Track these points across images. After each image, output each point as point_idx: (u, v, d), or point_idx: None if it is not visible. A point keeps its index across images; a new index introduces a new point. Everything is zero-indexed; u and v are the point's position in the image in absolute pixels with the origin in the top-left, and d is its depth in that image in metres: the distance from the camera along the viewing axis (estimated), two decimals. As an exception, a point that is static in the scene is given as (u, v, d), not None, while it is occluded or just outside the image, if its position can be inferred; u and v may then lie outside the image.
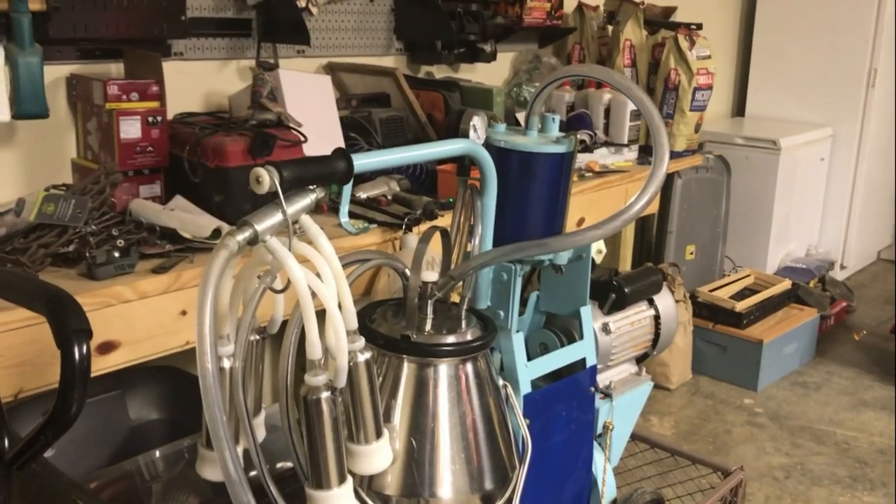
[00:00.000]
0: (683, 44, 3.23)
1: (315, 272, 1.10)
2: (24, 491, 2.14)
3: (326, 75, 2.61)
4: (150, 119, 2.12)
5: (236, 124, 2.17)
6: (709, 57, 3.30)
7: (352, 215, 2.21)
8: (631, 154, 3.26)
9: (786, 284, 3.67)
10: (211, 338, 0.96)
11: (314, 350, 1.06)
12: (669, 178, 3.65)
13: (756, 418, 3.18)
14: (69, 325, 0.79)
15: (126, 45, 2.22)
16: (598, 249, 1.82)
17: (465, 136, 1.38)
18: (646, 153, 3.32)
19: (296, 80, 2.45)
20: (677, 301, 3.27)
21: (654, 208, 3.41)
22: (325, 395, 1.07)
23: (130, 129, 2.10)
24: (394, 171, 2.47)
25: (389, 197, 2.38)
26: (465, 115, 1.37)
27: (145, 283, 1.75)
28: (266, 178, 1.04)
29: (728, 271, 4.02)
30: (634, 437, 1.93)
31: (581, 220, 2.92)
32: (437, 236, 1.34)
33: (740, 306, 3.41)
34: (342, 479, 1.11)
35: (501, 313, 1.44)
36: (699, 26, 3.35)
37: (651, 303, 1.75)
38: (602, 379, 1.69)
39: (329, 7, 2.72)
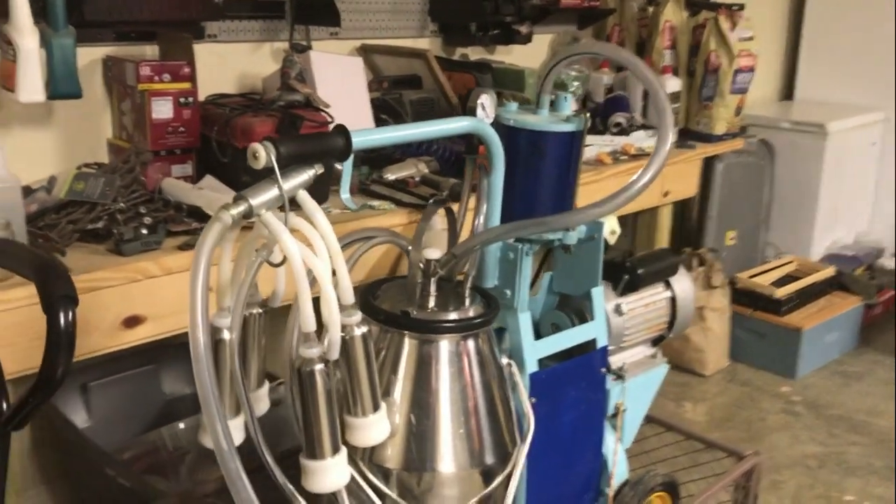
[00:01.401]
0: (724, 25, 3.17)
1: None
2: (60, 462, 2.23)
3: (358, 57, 2.63)
4: (182, 100, 2.16)
5: (265, 105, 2.21)
6: (751, 38, 3.24)
7: (378, 196, 2.23)
8: (669, 137, 3.22)
9: (829, 271, 3.59)
10: (203, 309, 0.98)
11: (307, 323, 1.08)
12: (710, 162, 3.58)
13: (793, 407, 3.12)
14: (55, 291, 0.82)
15: (160, 27, 2.27)
16: (611, 230, 1.80)
17: (473, 114, 1.38)
18: (684, 136, 3.28)
19: (327, 62, 2.48)
20: (714, 287, 3.23)
21: (692, 191, 3.35)
22: (318, 367, 1.10)
23: (162, 110, 2.15)
24: (423, 152, 2.49)
25: (417, 178, 2.40)
26: (472, 93, 1.38)
27: (171, 260, 1.80)
28: (262, 154, 1.07)
29: (771, 258, 3.95)
30: (652, 420, 1.92)
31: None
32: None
33: (780, 293, 3.35)
34: (336, 450, 1.13)
35: (508, 292, 1.44)
36: (741, 6, 3.28)
37: (668, 285, 1.74)
38: (615, 360, 1.68)
39: (364, -11, 2.74)
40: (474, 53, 3.16)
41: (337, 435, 1.13)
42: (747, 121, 3.47)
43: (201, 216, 1.97)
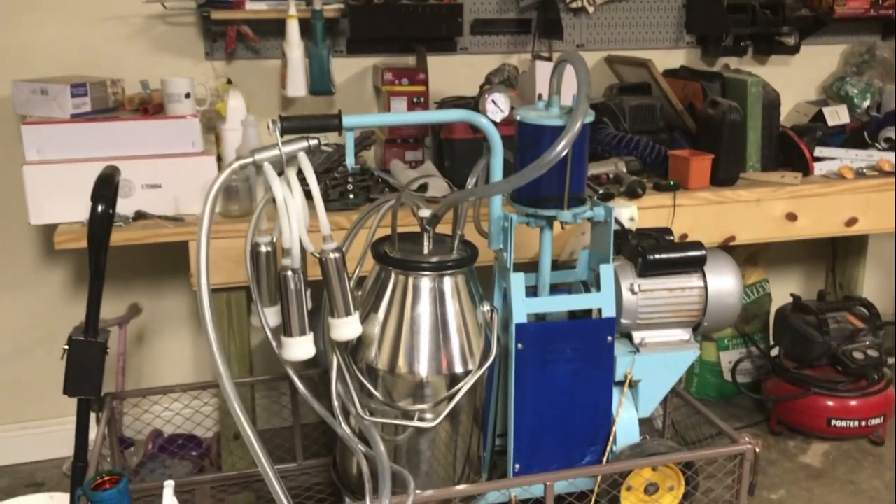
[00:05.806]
0: None
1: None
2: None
3: (583, 66, 2.97)
4: (415, 99, 2.78)
5: (469, 103, 2.70)
6: None
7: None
8: (957, 157, 2.95)
9: None
10: (207, 227, 1.54)
11: (285, 240, 1.60)
12: None
13: None
14: (98, 191, 1.46)
15: (417, 42, 2.89)
16: (629, 217, 1.93)
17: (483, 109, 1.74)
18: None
19: (548, 69, 2.88)
20: None
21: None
22: (289, 273, 1.60)
23: (399, 107, 2.78)
24: (630, 152, 2.77)
25: (611, 175, 2.70)
26: (482, 91, 1.72)
27: (354, 215, 2.40)
28: (271, 126, 1.61)
29: None
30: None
31: (853, 220, 2.81)
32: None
33: None
34: (302, 332, 1.63)
35: (505, 255, 1.77)
36: None
37: (704, 276, 1.84)
38: (637, 335, 1.87)
39: (613, 5, 3.07)
40: (742, 64, 3.25)
41: (304, 321, 1.62)
42: None
43: (392, 188, 2.57)
